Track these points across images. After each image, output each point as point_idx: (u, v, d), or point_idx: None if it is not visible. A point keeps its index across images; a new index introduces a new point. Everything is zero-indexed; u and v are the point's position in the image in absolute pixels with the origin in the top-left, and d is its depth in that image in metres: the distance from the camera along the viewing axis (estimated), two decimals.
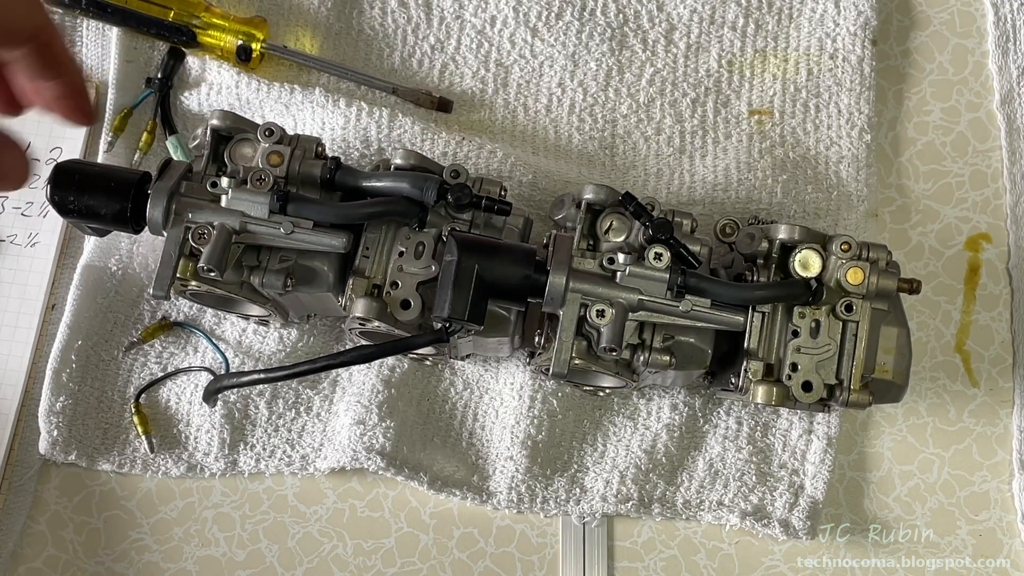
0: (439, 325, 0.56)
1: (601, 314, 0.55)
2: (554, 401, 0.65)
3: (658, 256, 0.56)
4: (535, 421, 0.65)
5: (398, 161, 0.60)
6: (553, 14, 0.73)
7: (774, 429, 0.67)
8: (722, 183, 0.69)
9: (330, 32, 0.73)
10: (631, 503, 0.65)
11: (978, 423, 0.69)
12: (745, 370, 0.57)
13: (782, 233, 0.58)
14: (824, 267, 0.57)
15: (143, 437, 0.66)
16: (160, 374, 0.67)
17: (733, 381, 0.58)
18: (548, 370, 0.57)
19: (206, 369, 0.66)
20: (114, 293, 0.68)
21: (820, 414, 0.66)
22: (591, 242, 0.59)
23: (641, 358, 0.58)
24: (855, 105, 0.71)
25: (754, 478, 0.66)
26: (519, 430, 0.65)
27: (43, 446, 0.65)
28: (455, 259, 0.55)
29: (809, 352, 0.57)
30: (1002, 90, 0.73)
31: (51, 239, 0.70)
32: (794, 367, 0.57)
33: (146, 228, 0.58)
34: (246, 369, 0.66)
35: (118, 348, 0.67)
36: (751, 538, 0.67)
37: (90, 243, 0.68)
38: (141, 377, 0.67)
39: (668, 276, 0.56)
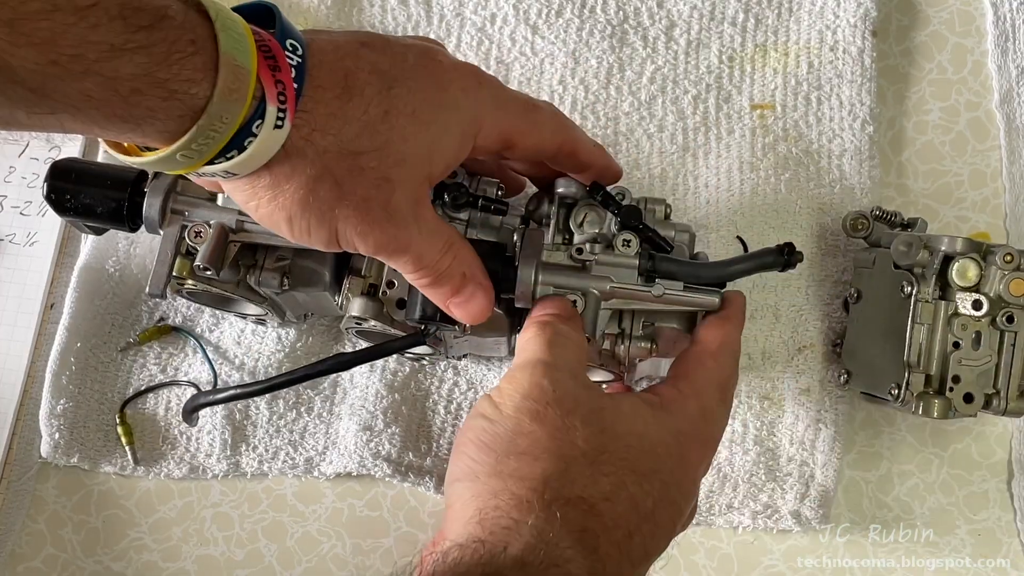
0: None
1: (573, 305, 0.54)
2: None
3: (626, 243, 0.55)
4: None
5: None
6: (553, 11, 0.73)
7: (780, 426, 0.66)
8: (724, 184, 0.69)
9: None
10: None
11: (977, 422, 0.68)
12: (906, 383, 0.58)
13: (943, 245, 0.59)
14: (983, 277, 0.58)
15: (127, 448, 0.66)
16: (160, 376, 0.67)
17: (892, 392, 0.59)
18: None
19: (190, 384, 0.67)
20: (112, 295, 0.68)
21: (826, 403, 0.66)
22: (567, 236, 0.57)
23: (622, 347, 0.58)
24: (856, 97, 0.71)
25: (763, 477, 0.66)
26: None
27: (45, 450, 0.65)
28: None
29: (971, 364, 0.58)
30: (1001, 89, 0.72)
31: (50, 238, 0.70)
32: (956, 379, 0.58)
33: (143, 226, 0.58)
34: (230, 380, 0.67)
35: (117, 350, 0.68)
36: (750, 537, 0.67)
37: (87, 245, 0.68)
38: (140, 379, 0.67)
39: (638, 262, 0.55)
